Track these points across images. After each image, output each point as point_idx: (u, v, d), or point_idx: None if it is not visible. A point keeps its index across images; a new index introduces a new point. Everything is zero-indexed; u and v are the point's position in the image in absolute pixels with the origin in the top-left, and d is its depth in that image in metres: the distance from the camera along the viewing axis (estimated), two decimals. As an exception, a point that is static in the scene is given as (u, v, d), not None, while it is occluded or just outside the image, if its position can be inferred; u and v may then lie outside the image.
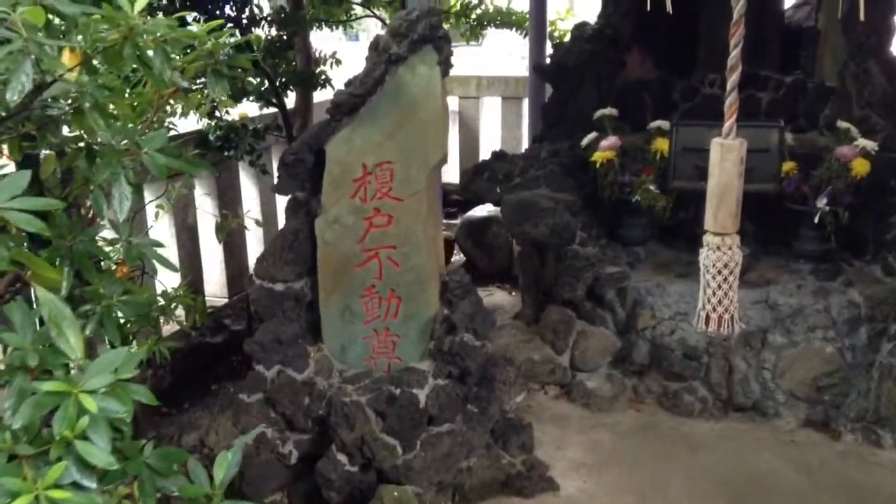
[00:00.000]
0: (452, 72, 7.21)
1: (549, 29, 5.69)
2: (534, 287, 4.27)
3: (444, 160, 3.04)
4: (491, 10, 5.53)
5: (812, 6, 4.68)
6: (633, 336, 3.73)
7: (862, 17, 2.92)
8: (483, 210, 5.47)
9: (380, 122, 2.92)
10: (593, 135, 4.11)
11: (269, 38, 4.06)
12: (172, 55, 1.80)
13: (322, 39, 5.38)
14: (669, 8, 3.27)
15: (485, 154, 7.19)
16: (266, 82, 4.13)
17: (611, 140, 3.99)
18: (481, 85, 6.97)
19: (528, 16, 5.36)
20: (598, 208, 4.19)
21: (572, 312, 3.89)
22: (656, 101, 4.63)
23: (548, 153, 4.50)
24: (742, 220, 4.05)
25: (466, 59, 9.32)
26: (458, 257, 5.79)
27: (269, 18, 3.96)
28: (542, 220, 3.98)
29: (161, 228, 3.97)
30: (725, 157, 2.57)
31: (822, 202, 3.64)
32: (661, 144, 3.96)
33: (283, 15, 3.99)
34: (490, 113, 7.34)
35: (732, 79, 2.58)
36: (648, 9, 3.39)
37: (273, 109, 4.47)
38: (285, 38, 4.11)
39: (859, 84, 4.07)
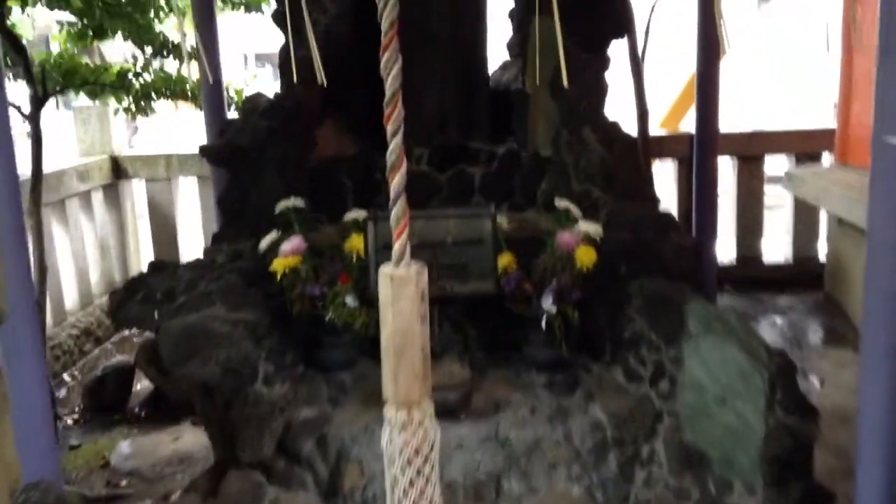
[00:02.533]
0: (137, 152, 6.10)
1: (234, 99, 4.78)
2: (219, 440, 3.24)
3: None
4: (154, 79, 4.49)
5: (519, 66, 4.18)
6: (340, 501, 2.84)
7: (566, 84, 2.32)
8: (167, 325, 4.36)
9: None
10: (273, 235, 3.23)
11: None
12: None
13: None
14: (322, 79, 2.51)
15: (185, 246, 6.10)
16: None
17: (293, 242, 3.12)
18: (172, 164, 5.88)
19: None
20: (293, 325, 3.30)
21: (262, 476, 2.91)
22: (358, 182, 3.87)
23: (227, 257, 3.54)
24: (464, 326, 3.35)
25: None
26: (142, 386, 4.62)
27: None
28: (215, 355, 3.01)
29: None
30: (399, 293, 1.75)
31: (547, 302, 3.01)
32: (357, 242, 3.16)
33: None
34: (188, 196, 6.26)
35: (396, 181, 1.80)
36: (324, 83, 2.63)
37: None
38: None
39: (575, 154, 3.57)
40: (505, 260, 3.12)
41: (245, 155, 3.60)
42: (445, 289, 3.08)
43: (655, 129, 6.52)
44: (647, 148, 5.41)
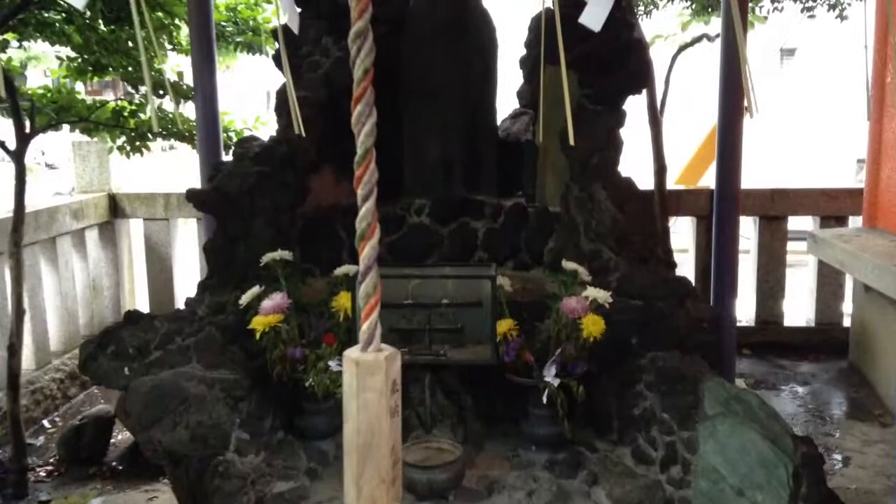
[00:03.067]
0: (134, 188, 5.94)
1: (234, 140, 4.60)
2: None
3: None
4: (149, 117, 4.32)
5: (530, 116, 3.98)
6: (312, 590, 2.56)
7: (572, 139, 2.09)
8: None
9: None
10: (255, 290, 2.99)
11: None
12: None
13: None
14: (300, 129, 2.32)
15: (181, 288, 5.89)
16: None
17: (276, 299, 2.89)
18: (171, 204, 5.70)
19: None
20: (276, 386, 3.05)
21: (228, 556, 2.65)
22: (354, 233, 3.64)
23: (208, 309, 3.30)
24: (459, 394, 3.09)
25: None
26: (122, 437, 4.38)
27: None
28: (185, 419, 2.77)
29: None
30: (366, 383, 1.51)
31: (549, 374, 2.75)
32: (345, 300, 2.92)
33: None
34: (186, 237, 6.08)
35: (366, 253, 1.57)
36: (302, 133, 2.44)
37: None
38: None
39: (585, 212, 3.33)
40: (505, 325, 2.87)
41: (233, 201, 3.38)
42: (439, 354, 2.83)
43: (672, 185, 6.31)
44: (664, 204, 5.19)
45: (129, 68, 4.54)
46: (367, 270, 1.48)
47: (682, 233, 6.06)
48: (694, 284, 4.46)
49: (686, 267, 5.37)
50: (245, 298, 2.97)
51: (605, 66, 3.27)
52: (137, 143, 4.43)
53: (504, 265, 3.55)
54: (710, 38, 5.81)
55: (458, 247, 3.60)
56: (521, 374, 2.85)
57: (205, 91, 4.01)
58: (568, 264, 3.01)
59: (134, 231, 5.91)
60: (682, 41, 6.32)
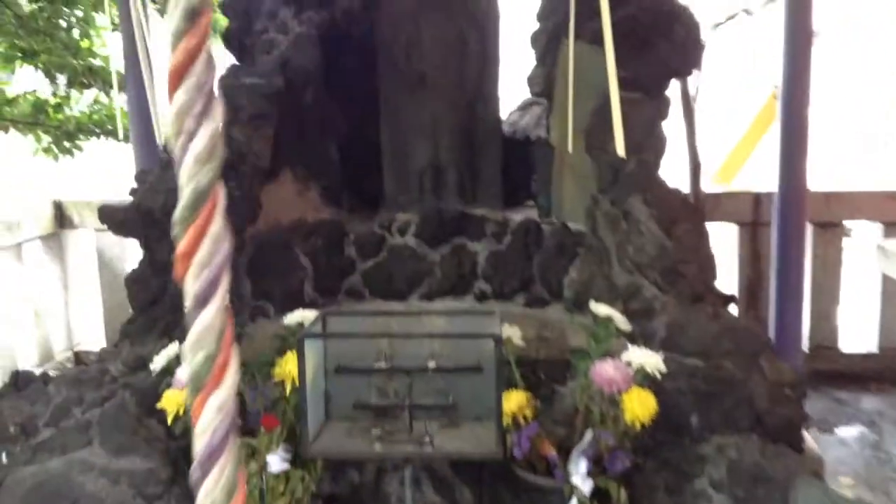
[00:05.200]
0: (80, 196, 5.15)
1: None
2: None
3: None
4: (77, 113, 3.53)
5: (543, 107, 3.16)
6: None
7: (620, 148, 1.29)
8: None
9: None
10: (172, 349, 2.20)
11: None
12: None
13: None
14: (160, 138, 1.48)
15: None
16: None
17: (195, 365, 2.09)
18: (125, 213, 4.90)
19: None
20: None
21: None
22: (322, 260, 2.86)
23: (124, 367, 2.52)
24: (453, 485, 2.31)
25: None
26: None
27: None
28: (70, 532, 1.99)
29: None
30: None
31: (578, 471, 1.94)
32: (292, 365, 2.11)
33: None
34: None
35: (207, 419, 0.78)
36: (160, 142, 1.59)
37: None
38: None
39: (619, 233, 2.52)
40: (515, 401, 2.06)
41: (159, 222, 2.59)
42: (423, 442, 2.04)
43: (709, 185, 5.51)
44: (700, 209, 4.38)
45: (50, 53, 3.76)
46: (206, 466, 0.67)
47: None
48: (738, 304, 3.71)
49: (726, 284, 4.57)
50: (159, 361, 2.17)
51: (645, 40, 2.45)
52: (66, 143, 3.64)
53: (512, 300, 2.75)
54: (748, 12, 4.99)
55: (452, 276, 2.81)
56: (536, 469, 2.05)
57: (138, 78, 3.21)
58: (599, 308, 2.20)
59: (84, 244, 5.12)
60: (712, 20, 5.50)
